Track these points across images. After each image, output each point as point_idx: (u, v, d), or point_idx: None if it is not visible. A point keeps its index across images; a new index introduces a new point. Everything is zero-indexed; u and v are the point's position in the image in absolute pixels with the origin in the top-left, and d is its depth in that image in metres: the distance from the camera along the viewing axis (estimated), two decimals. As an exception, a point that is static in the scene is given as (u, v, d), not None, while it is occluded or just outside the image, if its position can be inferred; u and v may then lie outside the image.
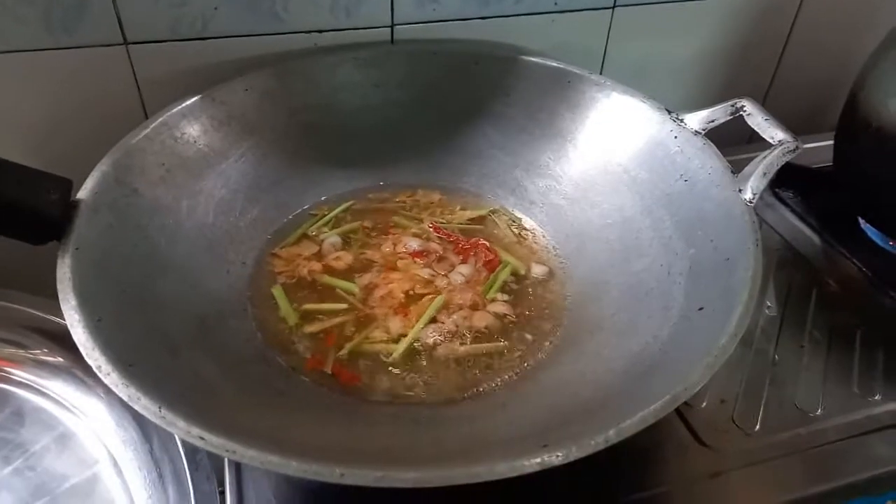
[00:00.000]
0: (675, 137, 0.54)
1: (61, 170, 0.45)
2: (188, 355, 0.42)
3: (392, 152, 0.63)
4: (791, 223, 0.69)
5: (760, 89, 0.84)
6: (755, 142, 0.80)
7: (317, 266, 0.55)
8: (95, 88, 0.58)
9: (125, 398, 0.35)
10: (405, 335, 0.49)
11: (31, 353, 0.53)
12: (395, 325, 0.50)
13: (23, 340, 0.53)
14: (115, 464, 0.50)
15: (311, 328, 0.50)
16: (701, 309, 0.43)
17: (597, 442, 0.33)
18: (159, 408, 0.34)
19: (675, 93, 0.79)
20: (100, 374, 0.36)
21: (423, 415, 0.44)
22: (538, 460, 0.32)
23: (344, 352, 0.49)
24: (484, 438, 0.39)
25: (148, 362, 0.38)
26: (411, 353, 0.49)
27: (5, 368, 0.52)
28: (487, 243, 0.58)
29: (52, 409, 0.51)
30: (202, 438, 0.33)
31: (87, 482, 0.49)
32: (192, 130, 0.54)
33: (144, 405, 0.34)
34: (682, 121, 0.55)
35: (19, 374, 0.52)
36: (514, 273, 0.56)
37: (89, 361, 0.36)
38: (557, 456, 0.33)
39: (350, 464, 0.32)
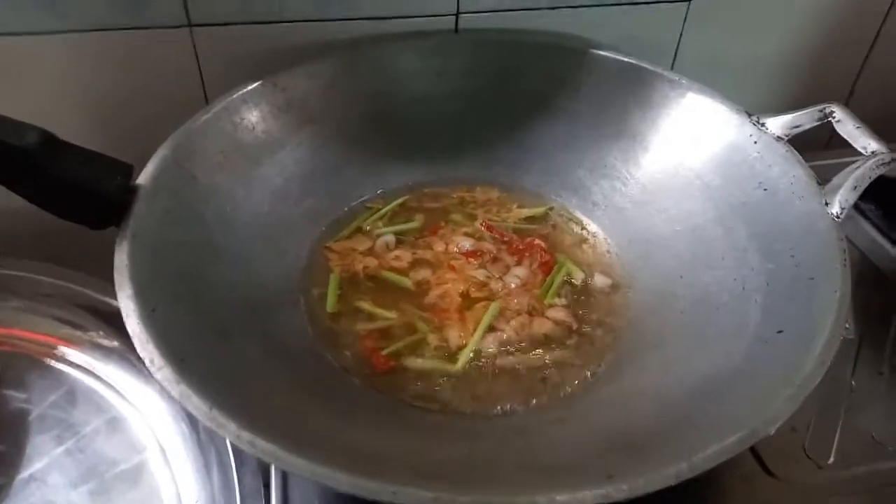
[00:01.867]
0: (755, 143, 0.51)
1: (120, 150, 0.44)
2: (240, 348, 0.42)
3: (451, 146, 0.61)
4: (872, 238, 0.64)
5: (842, 91, 0.79)
6: (833, 147, 0.75)
7: (373, 262, 0.54)
8: (157, 70, 0.58)
9: (176, 396, 0.34)
10: (463, 346, 0.47)
11: (88, 335, 0.53)
12: (453, 333, 0.48)
13: (79, 321, 0.53)
14: (163, 451, 0.49)
15: (362, 326, 0.49)
16: (780, 332, 0.40)
17: (667, 476, 0.31)
18: (210, 408, 0.33)
19: (750, 93, 0.74)
20: (151, 369, 0.35)
21: (476, 427, 0.42)
22: (602, 492, 0.30)
23: (391, 349, 0.47)
24: (540, 458, 0.37)
25: (200, 355, 0.37)
26: (468, 362, 0.47)
27: (61, 348, 0.52)
28: (543, 244, 0.55)
29: (105, 392, 0.51)
30: (252, 444, 0.32)
31: (134, 468, 0.49)
32: (252, 117, 0.53)
33: (195, 404, 0.34)
34: (763, 125, 0.51)
35: (75, 354, 0.52)
36: (572, 278, 0.53)
37: (142, 354, 0.36)
38: (623, 489, 0.30)
39: (404, 482, 0.30)
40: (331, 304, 0.50)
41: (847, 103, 0.79)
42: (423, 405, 0.44)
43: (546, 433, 0.41)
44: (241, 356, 0.41)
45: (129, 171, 0.44)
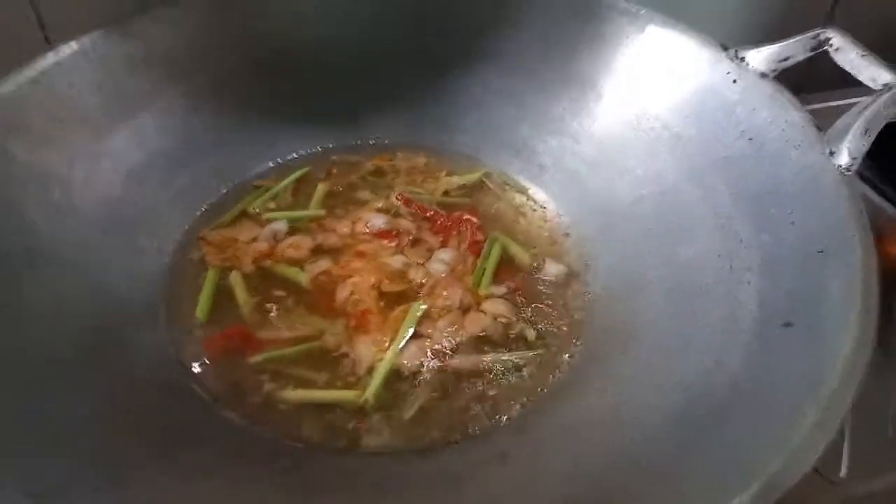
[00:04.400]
0: (734, 82, 0.43)
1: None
2: (49, 393, 0.30)
3: (363, 102, 0.52)
4: (863, 195, 0.56)
5: (819, 14, 0.69)
6: (810, 90, 0.66)
7: (262, 250, 0.43)
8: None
9: None
10: (377, 362, 0.37)
11: None
12: (363, 344, 0.37)
13: None
14: None
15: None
16: (788, 325, 0.31)
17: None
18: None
19: (718, 23, 0.64)
20: None
21: (391, 473, 0.32)
22: None
23: (269, 355, 0.37)
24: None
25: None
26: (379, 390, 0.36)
27: None
28: (474, 219, 0.46)
29: None
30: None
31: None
32: (96, 75, 0.43)
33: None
34: (742, 59, 0.43)
35: None
36: (514, 259, 0.44)
37: None
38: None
39: None
40: (203, 310, 0.39)
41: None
42: (320, 442, 0.33)
43: (482, 479, 0.30)
44: (48, 403, 0.30)
45: None
